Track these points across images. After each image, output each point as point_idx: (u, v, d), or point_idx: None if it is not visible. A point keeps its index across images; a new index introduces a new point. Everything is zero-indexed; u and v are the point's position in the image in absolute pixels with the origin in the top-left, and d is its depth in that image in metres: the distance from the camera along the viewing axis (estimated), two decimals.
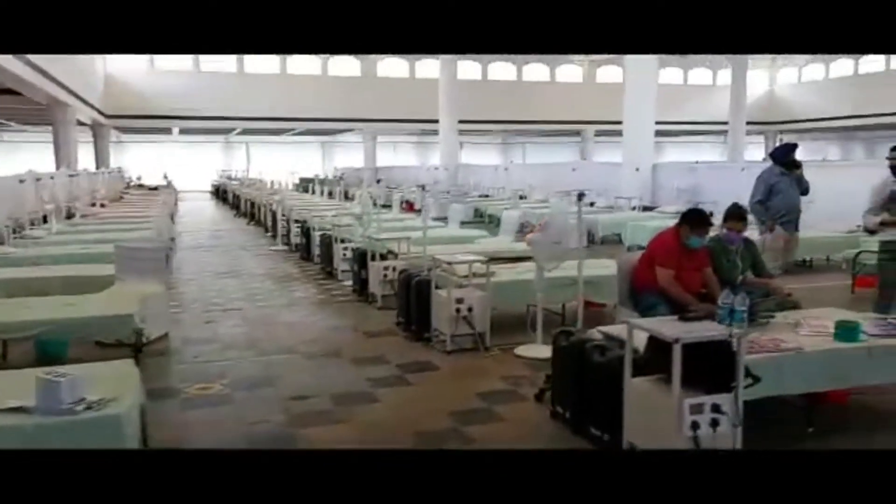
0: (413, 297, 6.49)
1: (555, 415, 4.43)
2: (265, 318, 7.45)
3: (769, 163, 7.92)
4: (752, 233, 6.62)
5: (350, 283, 8.73)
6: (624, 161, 16.67)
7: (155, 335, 6.32)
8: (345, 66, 34.83)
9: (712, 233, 5.41)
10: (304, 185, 31.90)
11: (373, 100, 33.26)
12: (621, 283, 5.34)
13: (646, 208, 14.57)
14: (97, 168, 28.17)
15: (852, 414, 4.52)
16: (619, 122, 17.09)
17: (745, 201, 12.87)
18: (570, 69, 37.66)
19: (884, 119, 31.95)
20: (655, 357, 3.65)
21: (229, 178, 32.29)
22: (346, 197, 25.23)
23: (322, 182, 24.61)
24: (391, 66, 35.36)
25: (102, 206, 17.21)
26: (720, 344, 3.47)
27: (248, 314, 7.62)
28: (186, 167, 40.67)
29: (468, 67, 35.18)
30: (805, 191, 7.59)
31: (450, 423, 4.45)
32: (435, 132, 30.98)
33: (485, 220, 16.94)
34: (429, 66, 33.47)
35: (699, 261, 5.17)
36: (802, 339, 4.28)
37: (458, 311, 5.92)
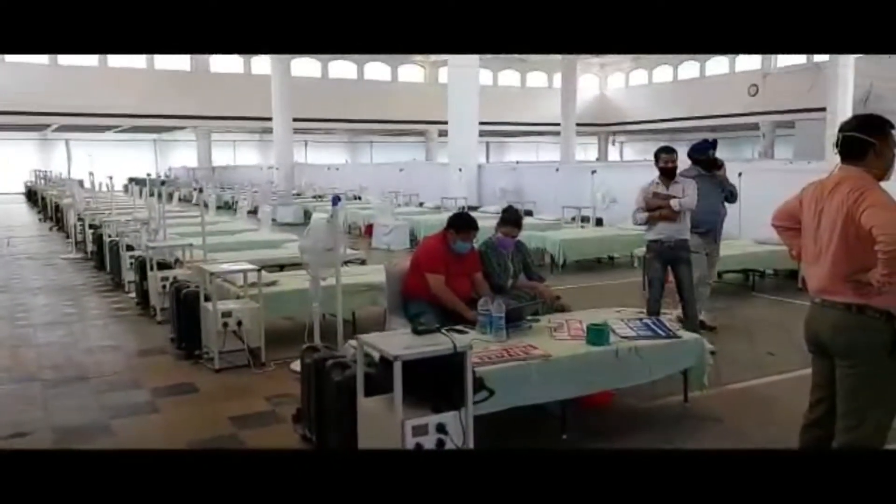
0: (183, 311, 5.93)
1: (305, 438, 4.09)
2: (17, 339, 6.58)
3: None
4: None
5: (135, 294, 7.97)
6: (450, 161, 16.73)
7: None
8: (174, 60, 32.82)
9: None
10: (137, 186, 29.78)
11: (205, 96, 31.58)
12: (391, 290, 5.09)
13: (471, 208, 14.63)
14: None
15: (613, 417, 4.50)
16: None
17: (563, 199, 13.39)
18: (412, 69, 37.70)
19: (700, 122, 34.56)
20: (386, 374, 3.38)
21: (45, 178, 29.50)
22: (180, 199, 23.74)
23: (163, 183, 22.88)
24: (224, 61, 33.78)
25: None
26: (451, 358, 3.26)
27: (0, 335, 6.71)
28: None
29: (306, 65, 34.31)
30: (729, 195, 6.42)
31: None
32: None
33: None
34: (265, 63, 32.21)
35: (468, 266, 5.02)
36: (556, 345, 4.22)
37: (225, 325, 5.44)
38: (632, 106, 39.02)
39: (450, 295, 4.81)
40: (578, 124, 33.46)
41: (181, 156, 40.70)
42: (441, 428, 3.15)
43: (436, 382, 3.27)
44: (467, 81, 16.09)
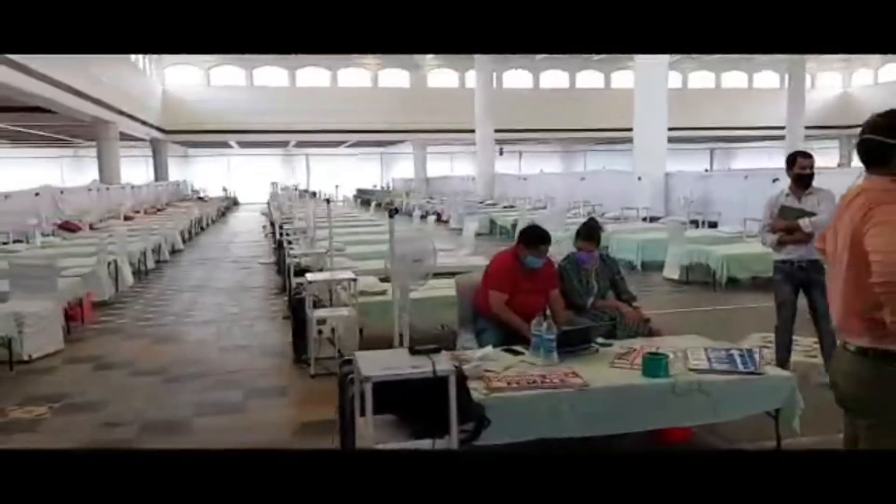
0: (295, 317, 6.25)
1: None
2: (171, 334, 7.36)
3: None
4: None
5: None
6: (635, 170, 15.90)
7: (42, 352, 6.35)
8: (395, 77, 35.01)
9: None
10: (363, 197, 32.53)
11: (422, 111, 33.23)
12: (461, 305, 4.93)
13: (653, 219, 13.80)
14: (157, 181, 29.55)
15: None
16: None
17: (750, 210, 12.06)
18: (626, 75, 36.54)
19: None
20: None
21: (282, 190, 32.93)
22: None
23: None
24: (441, 76, 35.30)
25: (127, 218, 17.75)
26: (435, 382, 3.06)
27: (162, 331, 7.55)
28: (251, 179, 42.06)
29: (518, 76, 34.75)
30: None
31: None
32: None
33: (496, 231, 16.60)
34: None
35: (542, 282, 4.70)
36: (609, 373, 3.80)
37: (320, 332, 5.64)
38: (882, 103, 33.85)
39: (509, 314, 4.54)
40: (816, 126, 30.24)
41: (403, 167, 43.25)
42: None
43: (421, 407, 3.10)
44: (654, 84, 15.20)
